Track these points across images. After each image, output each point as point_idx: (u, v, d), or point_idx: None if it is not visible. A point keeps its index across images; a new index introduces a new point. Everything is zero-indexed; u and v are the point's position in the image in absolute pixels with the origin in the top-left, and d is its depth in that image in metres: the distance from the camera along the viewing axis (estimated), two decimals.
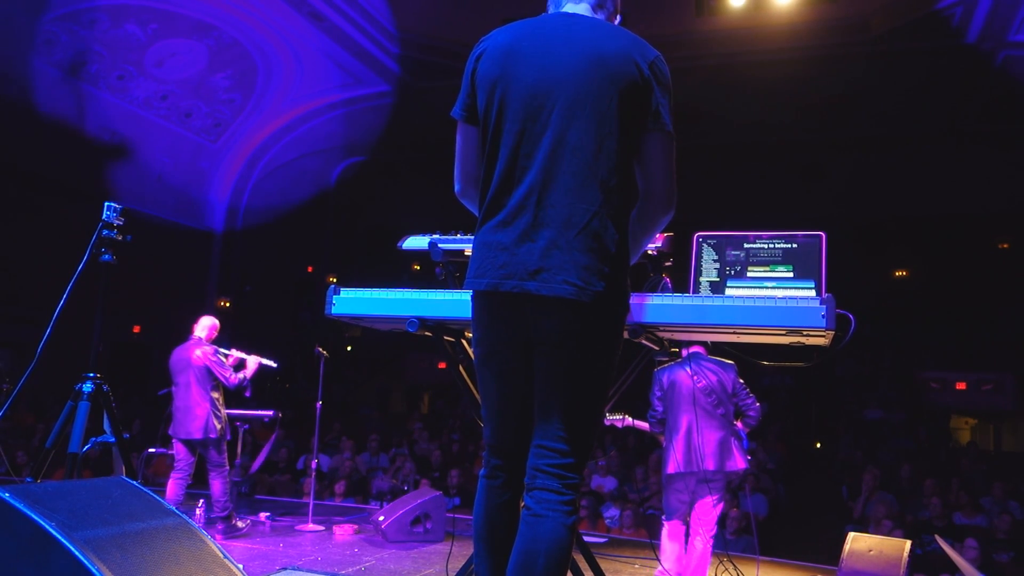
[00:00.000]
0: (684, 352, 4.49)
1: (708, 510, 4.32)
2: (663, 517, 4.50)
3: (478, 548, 2.11)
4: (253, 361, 5.84)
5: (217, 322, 6.01)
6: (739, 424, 4.46)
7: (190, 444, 5.72)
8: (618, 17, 2.23)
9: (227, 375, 5.67)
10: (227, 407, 5.91)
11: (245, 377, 5.77)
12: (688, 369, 4.37)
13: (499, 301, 2.01)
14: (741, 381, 4.45)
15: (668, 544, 4.42)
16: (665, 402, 4.50)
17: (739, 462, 4.27)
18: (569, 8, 2.15)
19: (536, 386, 2.02)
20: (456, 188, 2.21)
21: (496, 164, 2.02)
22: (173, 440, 5.77)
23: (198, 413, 5.58)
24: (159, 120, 14.28)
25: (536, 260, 1.93)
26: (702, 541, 4.29)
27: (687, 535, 4.42)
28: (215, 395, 5.70)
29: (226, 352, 5.88)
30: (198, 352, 5.70)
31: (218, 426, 5.65)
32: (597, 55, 1.98)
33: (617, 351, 2.07)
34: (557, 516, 1.92)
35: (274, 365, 5.97)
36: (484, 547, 2.09)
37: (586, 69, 1.97)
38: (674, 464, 4.31)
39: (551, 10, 2.21)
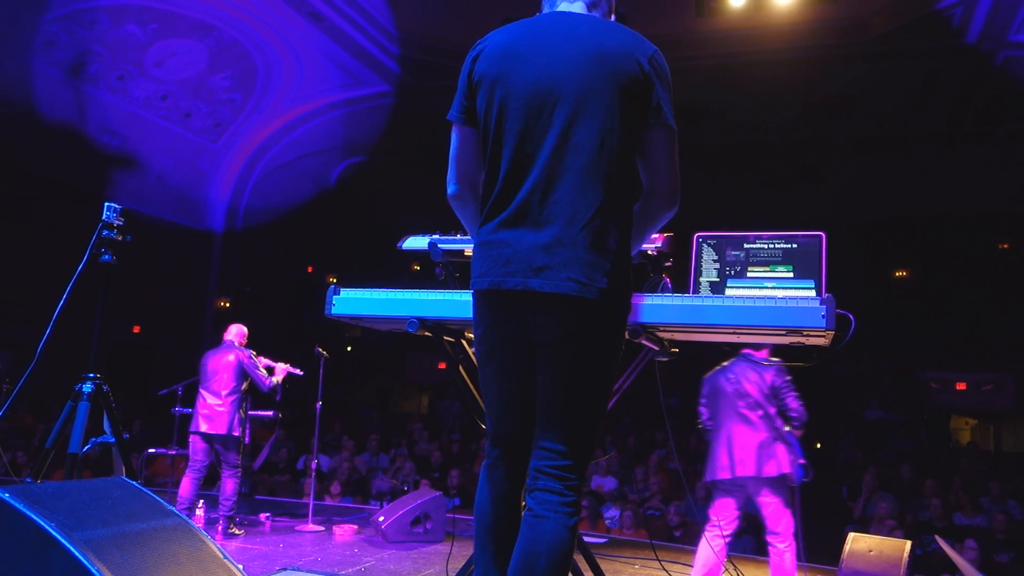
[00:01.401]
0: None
1: (770, 514, 4.12)
2: (705, 528, 4.30)
3: (479, 538, 2.11)
4: (281, 369, 6.16)
5: (246, 329, 6.28)
6: (786, 427, 4.30)
7: (210, 442, 5.87)
8: (612, 16, 2.24)
9: (262, 378, 5.98)
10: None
11: (277, 382, 6.07)
12: (729, 374, 4.31)
13: (502, 299, 2.00)
14: (787, 379, 4.26)
15: (700, 551, 4.21)
16: (710, 409, 4.44)
17: (782, 466, 4.07)
18: (563, 7, 2.15)
19: (538, 386, 2.02)
20: (450, 190, 2.16)
21: (499, 163, 2.01)
22: (191, 438, 5.92)
23: (226, 411, 5.82)
24: (159, 120, 14.29)
25: (540, 257, 1.92)
26: (774, 550, 4.10)
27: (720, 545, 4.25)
28: (243, 398, 5.97)
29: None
30: (230, 356, 5.96)
31: (240, 427, 5.89)
32: (597, 51, 1.98)
33: (619, 350, 2.07)
34: (558, 517, 1.92)
35: (301, 374, 6.30)
36: (485, 536, 2.09)
37: (587, 66, 1.97)
38: (712, 471, 4.26)
39: (545, 10, 2.21)
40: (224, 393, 5.85)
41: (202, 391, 5.94)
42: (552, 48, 2.01)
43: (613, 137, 1.96)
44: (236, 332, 6.19)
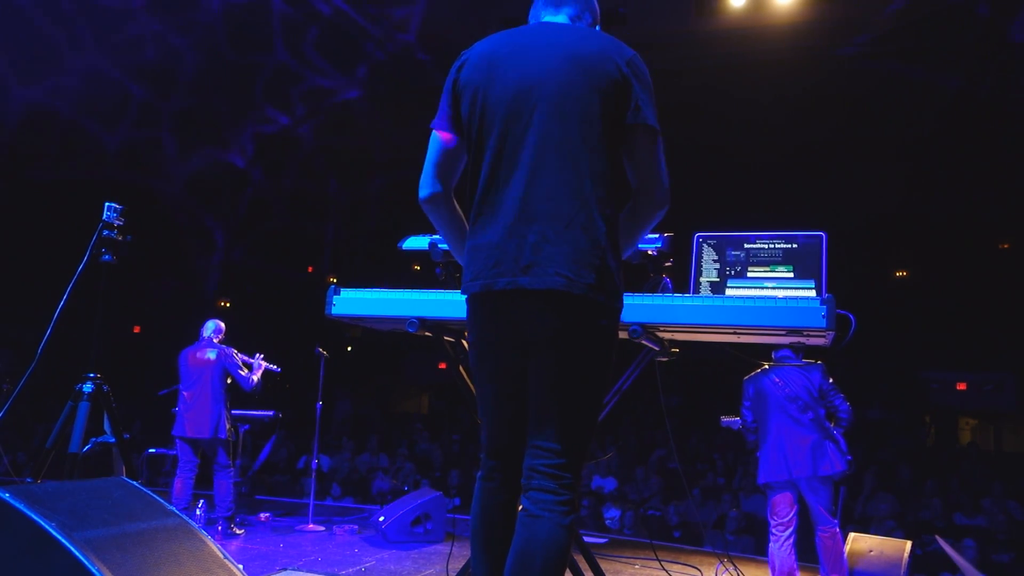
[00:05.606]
0: (774, 355, 4.44)
1: (822, 509, 4.23)
2: (770, 531, 4.35)
3: (475, 550, 2.10)
4: (258, 364, 5.95)
5: (223, 325, 6.04)
6: (833, 427, 4.38)
7: (195, 444, 5.74)
8: (597, 27, 2.28)
9: (245, 375, 5.77)
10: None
11: (257, 379, 5.88)
12: (775, 377, 4.34)
13: (493, 300, 2.02)
14: (831, 381, 4.39)
15: (774, 557, 4.25)
16: (754, 411, 4.47)
17: (836, 464, 4.18)
18: (548, 19, 2.22)
19: (531, 385, 2.02)
20: (422, 194, 2.16)
21: (482, 166, 2.05)
22: (177, 440, 5.77)
23: (211, 413, 5.62)
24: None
25: (527, 255, 1.94)
26: (827, 535, 4.21)
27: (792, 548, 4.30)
28: (226, 396, 5.77)
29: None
30: (211, 354, 5.75)
31: (228, 427, 5.72)
32: (575, 54, 2.03)
33: (612, 347, 2.07)
34: (554, 516, 1.91)
35: (277, 369, 6.11)
36: (482, 549, 2.08)
37: (565, 68, 2.02)
38: (764, 473, 4.29)
39: (531, 23, 2.27)
40: (206, 395, 5.63)
41: (183, 392, 5.73)
42: (532, 53, 2.06)
43: (593, 136, 1.99)
44: (214, 328, 5.91)
